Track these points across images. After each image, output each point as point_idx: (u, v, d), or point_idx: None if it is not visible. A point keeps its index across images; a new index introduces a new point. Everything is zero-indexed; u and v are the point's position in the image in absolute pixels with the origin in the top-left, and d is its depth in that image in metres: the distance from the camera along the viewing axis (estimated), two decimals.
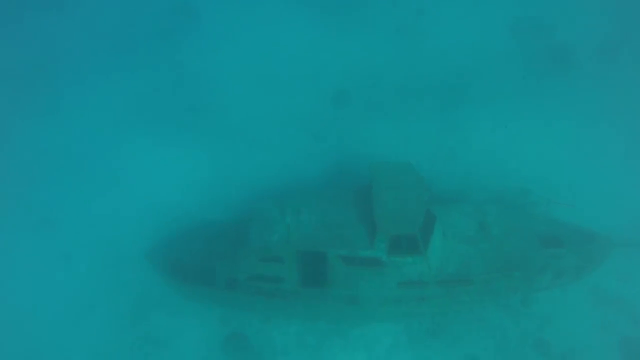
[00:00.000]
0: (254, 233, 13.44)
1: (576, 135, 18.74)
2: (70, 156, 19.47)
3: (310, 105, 20.33)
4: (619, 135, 18.65)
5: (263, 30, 22.75)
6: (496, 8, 22.46)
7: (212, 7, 23.35)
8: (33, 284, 16.78)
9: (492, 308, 15.17)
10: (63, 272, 16.94)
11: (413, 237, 12.47)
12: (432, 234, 13.09)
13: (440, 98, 20.07)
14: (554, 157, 18.16)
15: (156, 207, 17.73)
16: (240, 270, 13.88)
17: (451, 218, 14.07)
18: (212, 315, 15.56)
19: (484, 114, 19.44)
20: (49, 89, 21.27)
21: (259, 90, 20.99)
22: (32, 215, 18.07)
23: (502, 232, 13.88)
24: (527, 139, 18.68)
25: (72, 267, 17.02)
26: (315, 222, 13.37)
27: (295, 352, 15.02)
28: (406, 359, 14.80)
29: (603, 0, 21.95)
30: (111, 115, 20.42)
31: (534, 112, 19.40)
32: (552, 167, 17.87)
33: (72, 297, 16.40)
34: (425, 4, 22.82)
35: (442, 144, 18.74)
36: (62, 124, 20.28)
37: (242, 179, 18.24)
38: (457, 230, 13.78)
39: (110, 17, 23.39)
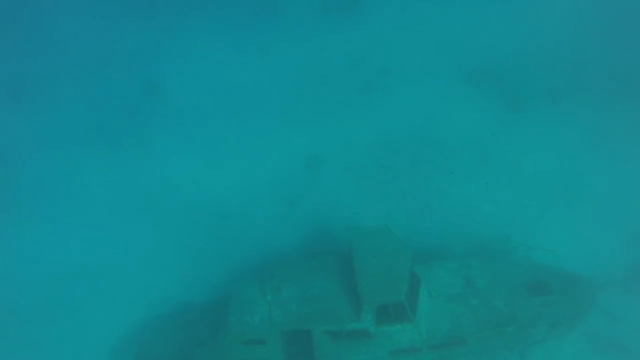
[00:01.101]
0: (234, 315, 12.53)
1: (548, 175, 18.89)
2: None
3: (283, 171, 19.98)
4: (590, 171, 18.81)
5: (228, 96, 22.75)
6: (453, 63, 23.24)
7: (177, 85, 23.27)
8: None
9: None
10: None
11: (400, 304, 11.82)
12: (418, 296, 12.48)
13: (411, 153, 20.12)
14: (526, 200, 18.18)
15: (126, 292, 16.44)
16: (221, 356, 12.77)
17: (435, 276, 13.54)
18: None
19: (456, 164, 19.45)
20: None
21: (228, 159, 20.55)
22: None
23: (488, 285, 13.40)
24: (500, 185, 18.68)
25: None
26: (297, 297, 12.59)
27: None
28: None
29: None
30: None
31: (505, 157, 19.60)
32: (526, 210, 17.83)
33: None
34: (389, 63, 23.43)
35: (418, 198, 18.55)
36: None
37: (216, 254, 17.36)
38: (443, 289, 13.21)
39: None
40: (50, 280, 16.94)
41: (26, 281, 16.97)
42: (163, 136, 21.64)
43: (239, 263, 16.80)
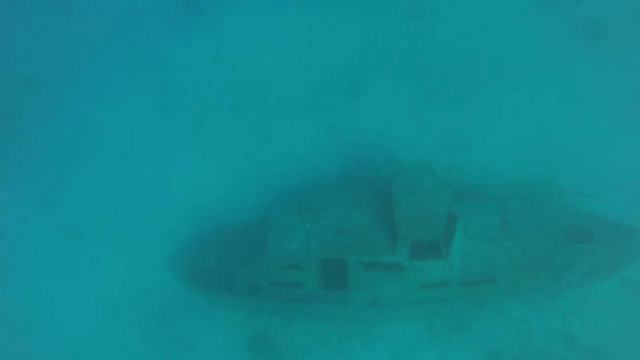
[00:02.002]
0: (273, 241, 12.91)
1: (604, 121, 17.21)
2: (88, 163, 19.02)
3: (324, 98, 19.32)
4: None
5: (270, 23, 21.55)
6: None
7: (216, 3, 22.15)
8: (61, 290, 16.78)
9: (517, 303, 14.47)
10: (90, 278, 16.85)
11: (435, 242, 11.80)
12: (454, 235, 12.40)
13: (458, 85, 18.70)
14: (581, 144, 16.79)
15: (175, 211, 17.27)
16: (261, 277, 13.45)
17: (472, 216, 13.33)
18: (234, 319, 15.28)
19: (504, 100, 18.10)
20: (58, 96, 20.64)
21: (269, 85, 20.00)
22: (57, 225, 17.85)
23: (525, 228, 13.13)
24: (551, 125, 17.32)
25: (98, 273, 16.90)
26: (334, 228, 12.75)
27: (318, 352, 14.71)
28: (429, 356, 14.38)
29: None
30: (124, 119, 19.80)
31: (560, 96, 17.90)
32: (578, 155, 16.56)
33: (99, 302, 16.35)
34: None
35: (461, 134, 17.59)
36: (76, 130, 19.78)
37: (257, 178, 17.56)
38: (479, 229, 13.06)
39: (114, 16, 22.40)
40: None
41: None
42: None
43: (277, 187, 17.00)
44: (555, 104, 17.74)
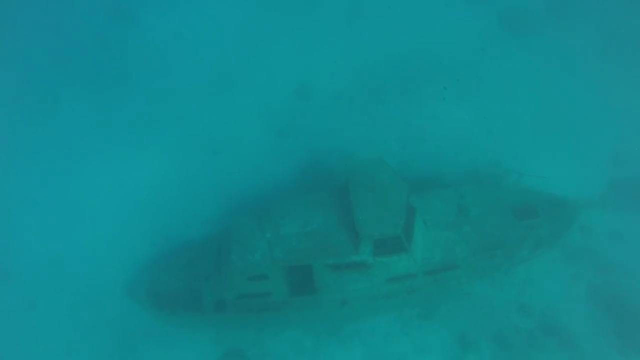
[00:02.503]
0: (236, 253, 12.55)
1: (538, 99, 18.43)
2: (23, 183, 17.60)
3: (273, 102, 19.05)
4: (581, 95, 18.35)
5: (212, 26, 20.96)
6: None
7: (149, 11, 21.24)
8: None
9: (478, 282, 15.00)
10: (29, 323, 15.48)
11: (397, 237, 11.89)
12: (414, 227, 12.57)
13: (403, 79, 19.14)
14: (518, 126, 17.85)
15: (127, 233, 16.37)
16: (227, 291, 13.04)
17: (430, 206, 13.61)
18: (204, 337, 14.77)
19: (448, 90, 18.67)
20: None
21: (215, 91, 19.44)
22: None
23: (480, 212, 13.59)
24: (493, 110, 18.20)
25: (38, 316, 15.53)
26: (296, 233, 12.57)
27: (294, 358, 14.52)
28: (402, 345, 14.59)
29: None
30: (63, 134, 18.49)
31: (498, 82, 18.88)
32: (517, 136, 17.59)
33: (46, 346, 15.05)
34: None
35: (411, 126, 17.99)
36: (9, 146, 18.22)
37: (212, 189, 17.04)
38: (437, 218, 13.34)
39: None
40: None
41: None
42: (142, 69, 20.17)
43: (234, 198, 16.58)
44: (493, 92, 18.57)
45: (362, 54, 19.85)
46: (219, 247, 13.64)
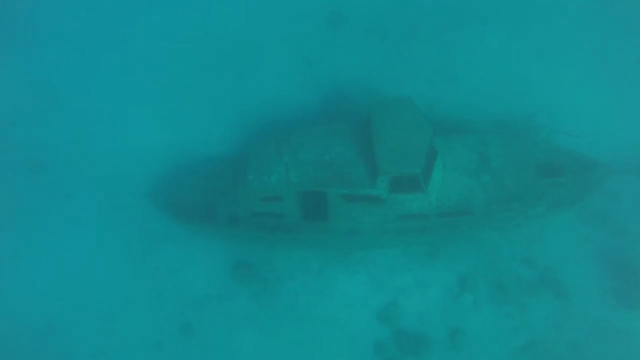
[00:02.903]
0: (252, 173, 12.64)
1: (585, 57, 16.93)
2: (56, 93, 17.70)
3: (303, 28, 17.96)
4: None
5: None
6: None
7: None
8: (36, 225, 16.30)
9: (488, 230, 15.00)
10: (65, 212, 16.35)
11: (415, 177, 11.68)
12: (433, 169, 12.31)
13: (441, 17, 17.68)
14: (561, 81, 16.57)
15: (153, 144, 16.58)
16: (241, 208, 13.32)
17: (452, 150, 13.25)
18: (217, 247, 15.45)
19: (488, 34, 17.23)
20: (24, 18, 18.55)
21: (245, 12, 18.33)
22: (22, 158, 16.94)
23: (502, 163, 13.19)
24: (533, 61, 16.87)
25: (74, 207, 16.39)
26: (313, 161, 12.48)
27: (300, 276, 15.18)
28: (404, 278, 15.04)
29: None
30: (92, 51, 18.20)
31: (544, 31, 17.30)
32: (558, 91, 16.40)
33: (79, 234, 16.08)
34: None
35: (444, 67, 16.93)
36: (41, 58, 18.07)
37: (235, 113, 16.82)
38: (458, 163, 13.02)
39: None
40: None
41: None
42: None
43: (256, 120, 16.42)
44: (538, 41, 17.00)
45: None
46: (236, 167, 13.75)
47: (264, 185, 12.48)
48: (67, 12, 18.71)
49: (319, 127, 13.22)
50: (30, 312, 15.09)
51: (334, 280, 15.01)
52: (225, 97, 17.08)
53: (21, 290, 15.38)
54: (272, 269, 15.19)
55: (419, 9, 17.81)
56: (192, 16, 18.52)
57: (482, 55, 17.02)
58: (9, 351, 14.57)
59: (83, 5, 18.82)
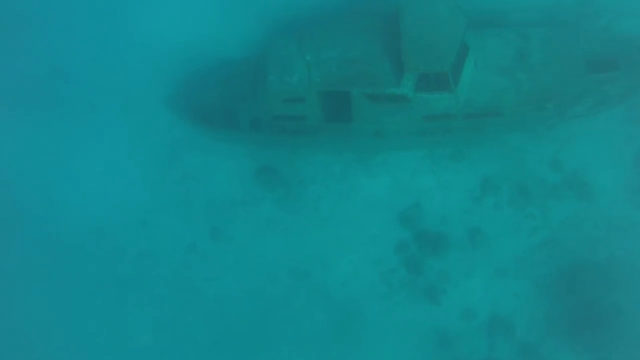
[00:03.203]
0: (272, 74, 12.12)
1: None
2: None
3: None
4: None
5: None
6: None
7: None
8: (65, 136, 16.37)
9: (516, 133, 14.40)
10: (92, 121, 16.27)
11: (444, 74, 11.01)
12: (463, 67, 11.55)
13: None
14: None
15: (169, 47, 15.77)
16: (262, 111, 13.02)
17: (486, 46, 12.27)
18: (240, 152, 15.36)
19: None
20: None
21: None
22: (41, 65, 16.48)
23: (544, 59, 12.08)
24: None
25: (100, 116, 16.25)
26: (336, 58, 11.83)
27: (322, 180, 15.18)
28: (426, 181, 14.94)
29: None
30: None
31: None
32: None
33: (105, 143, 16.14)
34: None
35: None
36: None
37: (253, 9, 15.62)
38: (491, 60, 12.10)
39: None
40: None
41: None
42: None
43: (276, 18, 15.29)
44: None
45: None
46: (256, 68, 13.17)
47: (285, 85, 12.01)
48: None
49: (342, 23, 12.28)
50: (83, 216, 15.82)
51: (356, 183, 14.97)
52: None
53: (72, 195, 15.97)
54: (295, 173, 15.16)
55: None
56: None
57: None
58: (70, 252, 15.50)
59: None
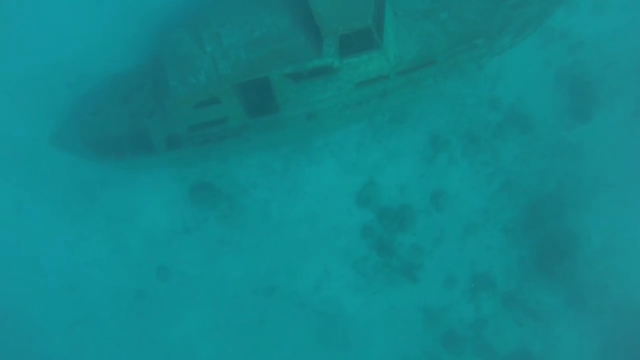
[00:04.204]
0: (174, 77, 9.97)
1: None
2: None
3: None
4: None
5: None
6: None
7: None
8: None
9: (450, 79, 13.30)
10: None
11: (366, 30, 9.42)
12: (384, 19, 10.00)
13: None
14: None
15: (41, 72, 12.76)
16: (175, 124, 10.83)
17: None
18: (163, 177, 13.16)
19: None
20: None
21: None
22: None
23: None
24: None
25: None
26: (243, 42, 9.88)
27: (264, 182, 13.42)
28: (374, 153, 13.58)
29: None
30: None
31: None
32: None
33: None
34: None
35: None
36: None
37: (132, 8, 13.01)
38: (409, 5, 10.70)
39: None
40: None
41: None
42: None
43: (162, 11, 12.77)
44: None
45: None
46: (154, 75, 10.91)
47: (192, 88, 9.91)
48: None
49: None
50: None
51: (302, 176, 13.40)
52: None
53: None
54: (233, 182, 13.33)
55: None
56: None
57: None
58: None
59: None
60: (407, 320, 13.71)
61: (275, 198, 13.44)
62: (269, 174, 13.39)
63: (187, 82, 9.93)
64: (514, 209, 13.97)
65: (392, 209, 13.62)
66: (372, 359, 13.73)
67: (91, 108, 11.73)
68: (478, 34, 10.91)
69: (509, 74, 13.85)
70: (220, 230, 13.51)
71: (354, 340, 13.67)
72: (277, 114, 10.90)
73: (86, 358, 13.41)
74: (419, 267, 13.61)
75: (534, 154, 13.98)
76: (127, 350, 13.55)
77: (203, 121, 10.77)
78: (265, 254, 13.59)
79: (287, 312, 13.47)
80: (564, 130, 13.98)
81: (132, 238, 13.40)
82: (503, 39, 11.43)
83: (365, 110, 11.85)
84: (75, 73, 12.62)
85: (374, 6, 9.32)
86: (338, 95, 10.79)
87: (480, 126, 13.91)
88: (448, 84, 13.26)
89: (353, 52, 9.91)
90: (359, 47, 9.87)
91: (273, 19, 9.90)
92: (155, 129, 11.27)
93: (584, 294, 13.89)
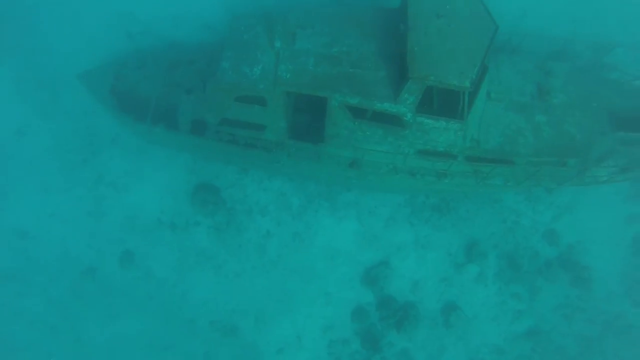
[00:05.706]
0: (228, 60, 8.35)
1: None
2: None
3: None
4: None
5: None
6: None
7: None
8: None
9: (513, 192, 11.19)
10: None
11: (460, 93, 7.53)
12: (478, 92, 8.15)
13: None
14: None
15: (105, 13, 11.49)
16: (209, 110, 9.07)
17: (501, 74, 9.08)
18: (177, 161, 11.41)
19: None
20: None
21: None
22: None
23: (566, 101, 9.04)
24: None
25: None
26: (316, 52, 8.19)
27: (274, 212, 11.38)
28: (402, 234, 11.39)
29: None
30: None
31: None
32: None
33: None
34: None
35: None
36: None
37: None
38: (507, 93, 8.84)
39: None
40: None
41: None
42: None
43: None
44: None
45: None
46: (211, 56, 9.43)
47: (242, 77, 8.22)
48: None
49: (329, 9, 8.77)
50: None
51: (317, 224, 11.38)
52: None
53: None
54: (242, 198, 11.40)
55: None
56: None
57: None
58: None
59: None
60: None
61: (279, 234, 11.40)
62: (283, 206, 11.40)
63: (240, 69, 8.29)
64: None
65: (397, 301, 11.27)
66: None
67: (135, 62, 10.29)
68: (574, 152, 8.87)
69: (579, 212, 11.57)
70: (207, 242, 11.49)
71: None
72: (320, 146, 8.99)
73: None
74: None
75: (581, 314, 11.41)
76: (43, 326, 11.24)
77: (238, 119, 9.01)
78: (243, 288, 11.41)
79: None
80: (628, 305, 11.38)
81: (113, 208, 11.50)
82: (599, 171, 9.29)
83: (413, 184, 9.74)
84: (139, 25, 11.30)
85: (477, 69, 7.47)
86: (394, 154, 8.81)
87: (526, 253, 11.55)
88: (507, 194, 11.15)
89: (432, 112, 8.01)
90: (439, 110, 8.00)
91: (358, 40, 8.25)
92: (186, 107, 9.63)
93: None
